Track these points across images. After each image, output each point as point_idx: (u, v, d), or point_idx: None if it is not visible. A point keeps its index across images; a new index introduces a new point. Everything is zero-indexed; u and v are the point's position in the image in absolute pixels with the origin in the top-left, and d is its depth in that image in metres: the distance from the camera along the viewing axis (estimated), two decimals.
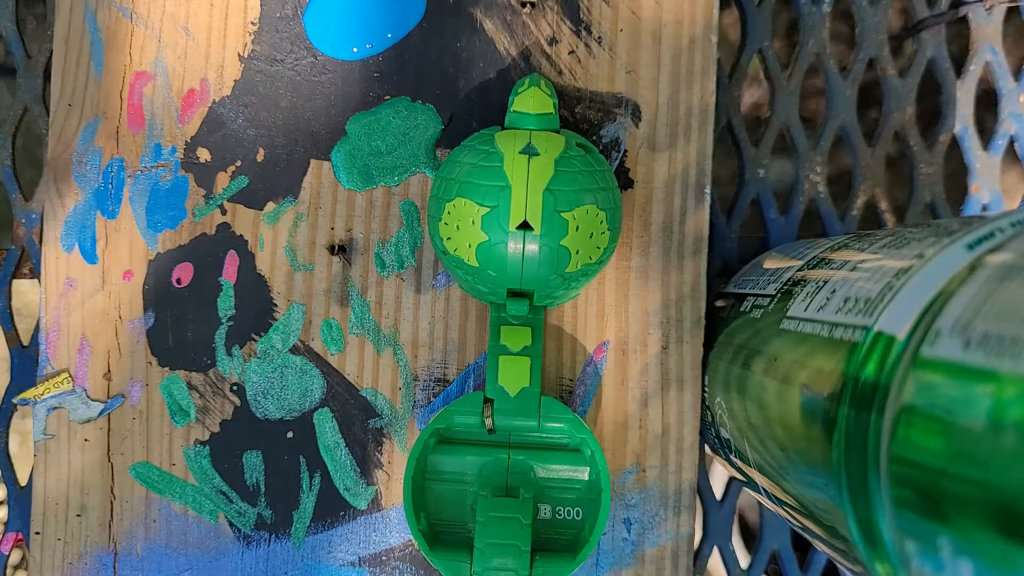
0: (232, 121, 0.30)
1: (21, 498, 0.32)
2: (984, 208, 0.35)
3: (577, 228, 0.26)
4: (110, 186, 0.30)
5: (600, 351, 0.30)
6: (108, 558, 0.30)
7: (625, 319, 0.30)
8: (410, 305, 0.30)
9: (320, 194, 0.30)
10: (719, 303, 0.30)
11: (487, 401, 0.27)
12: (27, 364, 0.33)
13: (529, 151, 0.26)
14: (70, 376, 0.30)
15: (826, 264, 0.24)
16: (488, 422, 0.27)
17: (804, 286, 0.24)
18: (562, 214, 0.26)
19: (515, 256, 0.26)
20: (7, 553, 0.32)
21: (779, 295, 0.25)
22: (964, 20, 0.35)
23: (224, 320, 0.30)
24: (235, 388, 0.30)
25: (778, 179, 0.34)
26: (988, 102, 0.35)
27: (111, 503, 0.30)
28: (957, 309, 0.16)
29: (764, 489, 0.25)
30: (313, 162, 0.30)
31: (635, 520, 0.30)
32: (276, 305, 0.30)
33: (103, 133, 0.30)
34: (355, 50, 0.30)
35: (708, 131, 0.30)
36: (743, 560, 0.33)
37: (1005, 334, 0.15)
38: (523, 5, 0.30)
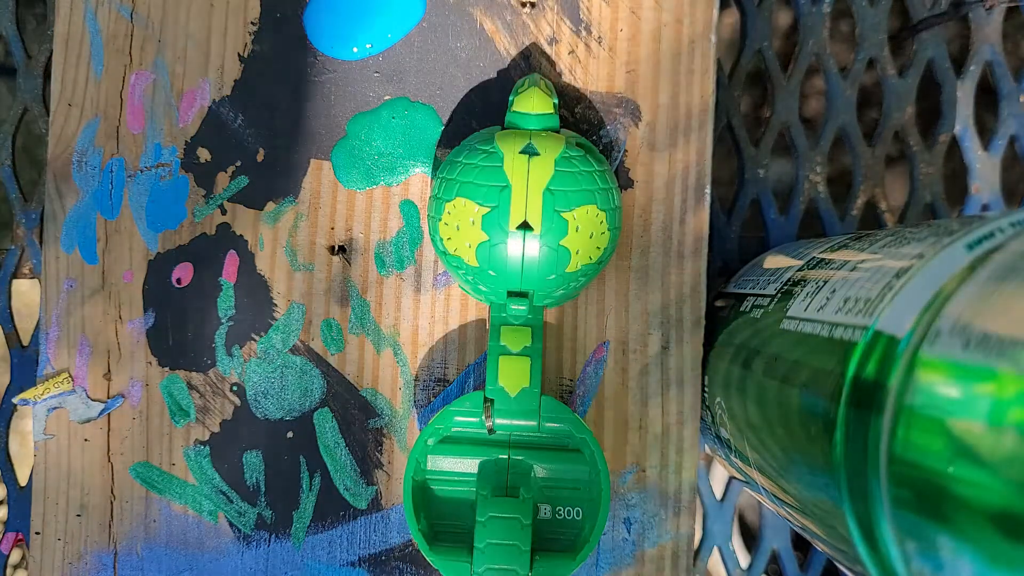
0: (232, 121, 0.30)
1: (21, 498, 0.32)
2: (984, 208, 0.35)
3: (577, 228, 0.26)
4: (110, 186, 0.30)
5: (600, 351, 0.30)
6: (108, 558, 0.30)
7: (625, 319, 0.30)
8: (410, 305, 0.30)
9: (320, 194, 0.30)
10: (719, 303, 0.30)
11: (487, 401, 0.27)
12: (27, 364, 0.33)
13: (529, 151, 0.26)
14: (70, 376, 0.30)
15: (826, 264, 0.24)
16: (488, 422, 0.27)
17: (804, 286, 0.24)
18: (562, 214, 0.26)
19: (515, 256, 0.26)
20: (7, 553, 0.32)
21: (779, 295, 0.25)
22: (964, 20, 0.35)
23: (224, 320, 0.30)
24: (235, 388, 0.30)
25: (778, 179, 0.34)
26: (988, 102, 0.35)
27: (111, 503, 0.30)
28: (957, 309, 0.16)
29: (764, 489, 0.25)
30: (313, 162, 0.30)
31: (635, 520, 0.30)
32: (276, 305, 0.30)
33: (103, 133, 0.30)
34: (355, 50, 0.30)
35: (708, 131, 0.30)
36: (743, 560, 0.33)
37: (1005, 334, 0.15)
38: (523, 5, 0.30)
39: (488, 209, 0.26)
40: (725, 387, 0.27)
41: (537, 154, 0.26)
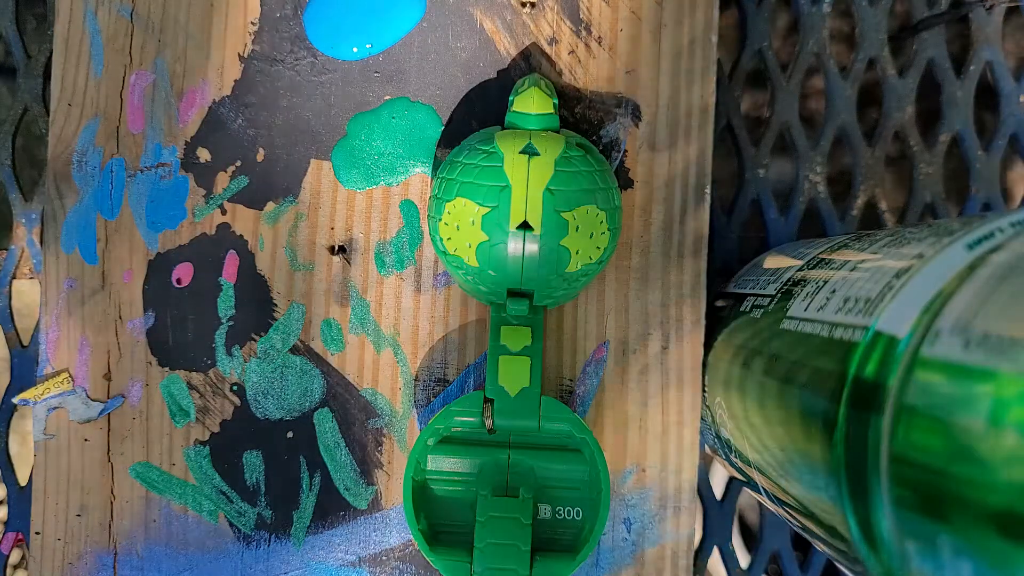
0: (232, 121, 0.30)
1: (21, 498, 0.32)
2: (984, 208, 0.35)
3: (577, 228, 0.26)
4: (110, 186, 0.30)
5: (600, 351, 0.30)
6: (108, 558, 0.30)
7: (625, 319, 0.30)
8: (410, 305, 0.30)
9: (320, 194, 0.30)
10: (719, 303, 0.30)
11: (487, 401, 0.27)
12: (27, 364, 0.33)
13: (529, 151, 0.26)
14: (70, 376, 0.30)
15: (826, 264, 0.24)
16: (488, 422, 0.27)
17: (804, 286, 0.24)
18: (562, 214, 0.26)
19: (515, 256, 0.26)
20: (7, 553, 0.32)
21: (779, 295, 0.25)
22: (964, 20, 0.35)
23: (224, 320, 0.30)
24: (235, 388, 0.30)
25: (778, 179, 0.34)
26: (988, 102, 0.35)
27: (111, 503, 0.30)
28: (957, 309, 0.16)
29: (764, 489, 0.25)
30: (313, 162, 0.30)
31: (635, 520, 0.30)
32: (276, 305, 0.30)
33: (103, 133, 0.30)
34: (355, 50, 0.30)
35: (708, 131, 0.30)
36: (743, 560, 0.33)
37: (1005, 334, 0.15)
38: (523, 5, 0.30)
39: (488, 209, 0.26)
40: (725, 387, 0.27)
41: (537, 154, 0.26)
